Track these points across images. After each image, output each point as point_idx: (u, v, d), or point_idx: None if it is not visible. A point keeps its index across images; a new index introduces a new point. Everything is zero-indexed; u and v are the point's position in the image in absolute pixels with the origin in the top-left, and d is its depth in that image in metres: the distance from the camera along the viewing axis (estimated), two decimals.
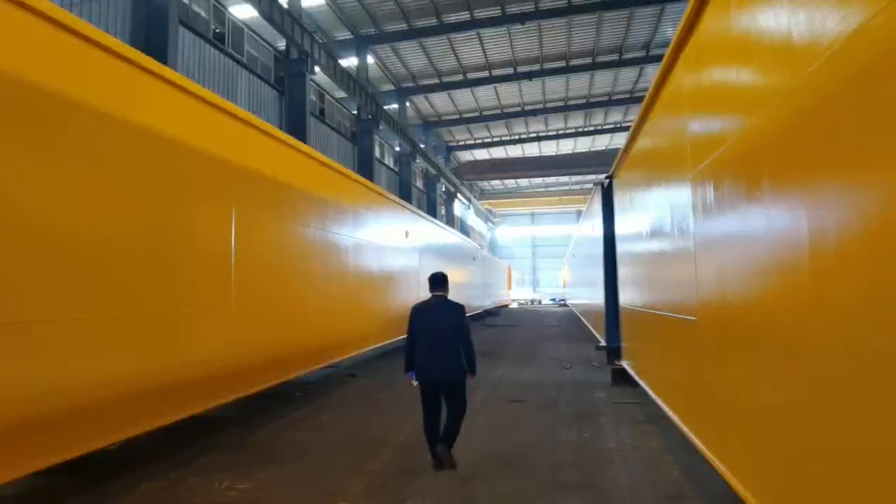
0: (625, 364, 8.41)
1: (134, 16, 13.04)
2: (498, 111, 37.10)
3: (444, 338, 5.02)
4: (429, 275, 5.49)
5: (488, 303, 27.32)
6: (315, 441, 5.75)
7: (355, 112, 27.33)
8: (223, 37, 16.93)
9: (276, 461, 5.03)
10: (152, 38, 12.90)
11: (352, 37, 25.45)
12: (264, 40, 19.37)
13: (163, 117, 5.00)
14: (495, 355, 12.20)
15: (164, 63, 12.86)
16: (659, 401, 5.60)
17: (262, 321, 6.36)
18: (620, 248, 8.71)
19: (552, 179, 53.15)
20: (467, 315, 5.50)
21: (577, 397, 7.83)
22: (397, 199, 13.38)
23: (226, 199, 5.80)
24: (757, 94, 2.85)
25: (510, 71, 30.46)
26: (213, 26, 16.40)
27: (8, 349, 3.44)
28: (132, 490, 4.32)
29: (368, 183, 11.26)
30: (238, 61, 17.58)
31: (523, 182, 56.32)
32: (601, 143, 43.42)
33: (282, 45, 20.21)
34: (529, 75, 30.15)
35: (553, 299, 48.35)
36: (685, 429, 4.48)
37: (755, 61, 2.87)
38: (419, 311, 5.23)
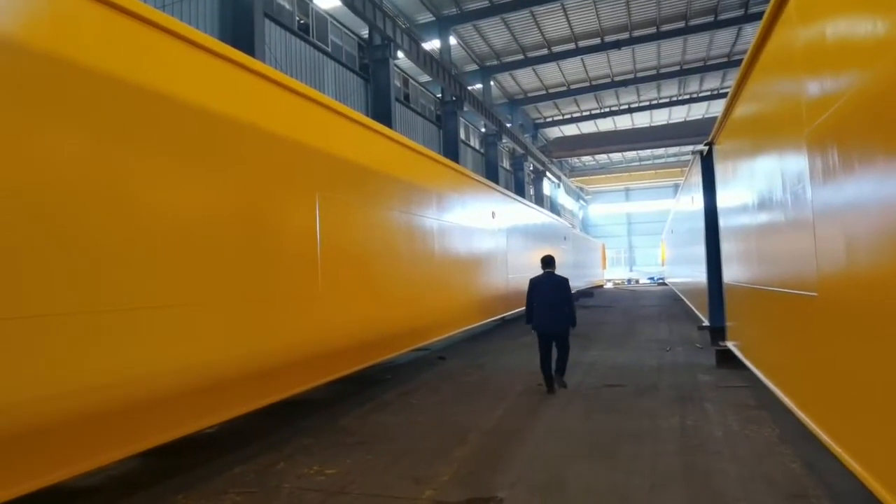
0: (730, 345, 7.80)
1: (222, 12, 13.51)
2: (586, 84, 35.85)
3: (552, 301, 7.05)
4: (541, 257, 7.56)
5: (581, 283, 26.54)
6: (403, 425, 5.70)
7: (439, 95, 27.23)
8: (308, 28, 17.27)
9: (365, 446, 5.01)
10: (240, 32, 13.34)
11: (434, 19, 25.31)
12: (348, 29, 19.60)
13: (255, 110, 5.10)
14: (589, 337, 11.77)
15: (252, 56, 13.30)
16: (771, 384, 5.08)
17: (348, 305, 6.36)
18: (723, 220, 8.04)
19: (647, 152, 50.85)
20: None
21: (678, 381, 7.34)
22: (482, 180, 13.16)
23: (310, 184, 5.81)
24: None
25: (597, 41, 29.27)
26: (297, 18, 16.75)
27: (129, 332, 3.67)
28: (225, 473, 4.42)
29: (452, 164, 11.11)
30: (323, 51, 17.89)
31: (616, 157, 54.29)
32: (697, 111, 41.03)
33: (365, 32, 20.38)
34: (618, 44, 28.81)
35: (651, 278, 46.44)
36: (803, 416, 4.00)
37: None
38: (535, 282, 7.28)
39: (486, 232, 12.18)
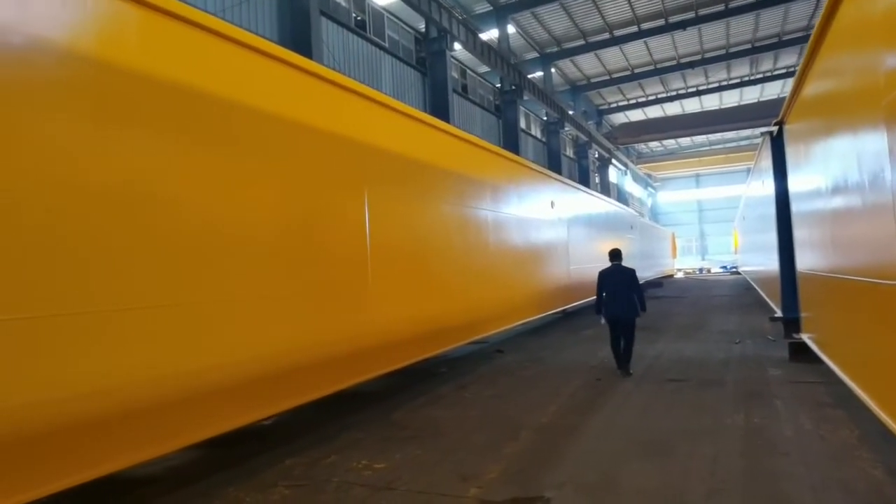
0: (805, 337, 7.30)
1: (280, 12, 13.79)
2: (651, 67, 34.64)
3: (621, 291, 7.52)
4: (605, 247, 8.22)
5: (649, 273, 25.67)
6: (455, 419, 5.63)
7: (498, 85, 26.95)
8: (364, 24, 17.41)
9: (415, 440, 4.98)
10: (298, 32, 13.59)
11: (491, 8, 25.02)
12: (404, 23, 19.65)
13: (305, 109, 5.16)
14: (655, 329, 11.35)
15: (310, 54, 13.53)
16: (850, 381, 4.70)
17: (398, 299, 6.34)
18: (796, 205, 7.52)
19: (717, 136, 48.58)
20: None
21: (746, 375, 6.95)
22: (539, 169, 12.88)
23: (358, 180, 5.81)
24: None
25: (661, 22, 28.18)
26: (354, 14, 16.92)
27: (202, 324, 3.90)
28: (275, 465, 4.48)
29: (507, 154, 10.92)
30: (380, 46, 18.02)
31: (685, 141, 52.27)
32: (772, 91, 38.89)
33: (422, 26, 20.38)
34: (683, 24, 27.65)
35: (723, 267, 44.51)
36: (887, 417, 3.66)
37: None
38: (604, 274, 7.74)
39: (545, 223, 11.93)
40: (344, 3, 16.55)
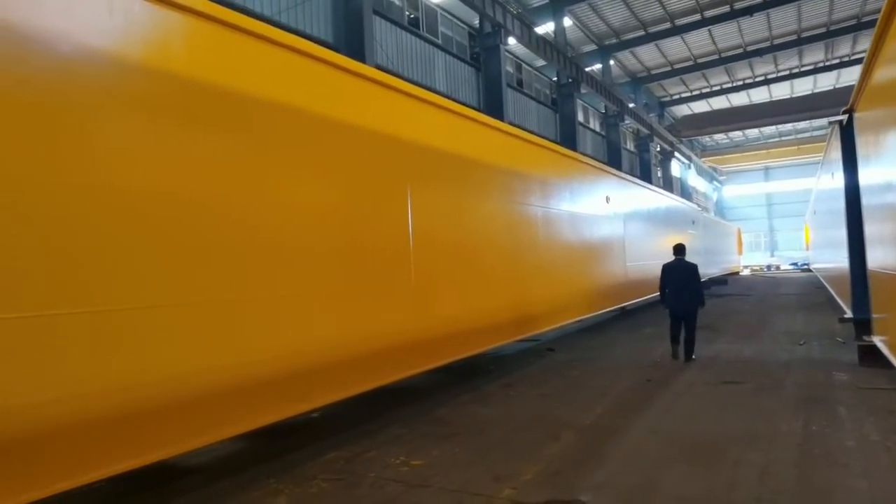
0: (876, 340, 6.84)
1: (334, 13, 14.02)
2: (715, 56, 33.34)
3: (682, 284, 8.06)
4: (665, 243, 9.00)
5: (713, 270, 24.71)
6: (498, 418, 5.58)
7: (555, 78, 26.55)
8: (418, 21, 17.49)
9: (455, 438, 4.96)
10: (351, 32, 13.78)
11: (547, 1, 24.68)
12: (458, 19, 19.64)
13: (350, 109, 5.23)
14: (714, 328, 10.92)
15: (363, 54, 13.70)
16: None
17: (443, 295, 6.33)
18: (867, 198, 7.06)
19: (788, 127, 46.29)
20: None
21: (809, 379, 6.57)
22: (594, 163, 12.61)
23: (401, 177, 5.83)
24: None
25: (726, 9, 27.07)
26: (407, 12, 17.02)
27: (251, 319, 4.06)
28: (317, 458, 4.56)
29: (558, 148, 10.73)
30: (434, 43, 18.07)
31: (752, 133, 50.06)
32: (849, 77, 36.53)
33: (476, 21, 20.31)
34: (750, 10, 26.46)
35: (794, 264, 42.39)
36: None
37: None
38: (667, 268, 8.30)
39: (599, 218, 11.65)
40: (397, 2, 16.69)
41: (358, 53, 13.53)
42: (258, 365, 4.08)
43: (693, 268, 8.11)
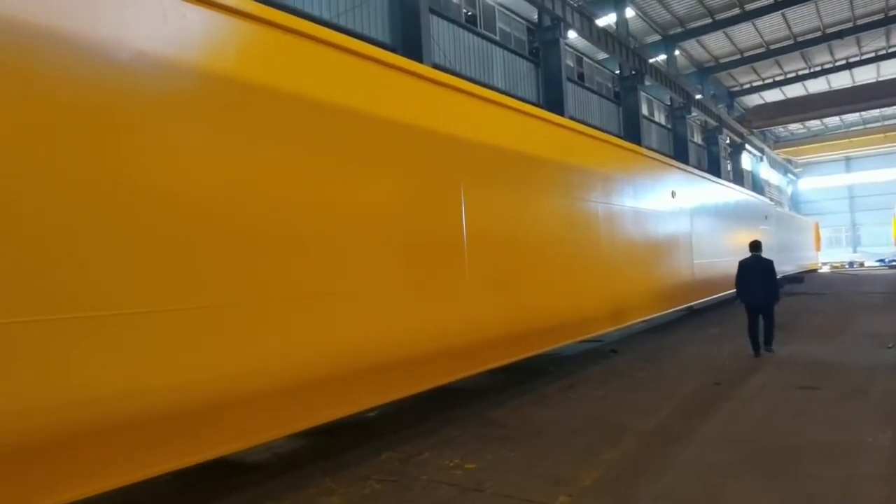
0: None
1: (391, 13, 14.11)
2: (790, 41, 31.62)
3: (759, 279, 8.27)
4: (748, 241, 8.84)
5: (788, 267, 23.38)
6: (557, 420, 5.43)
7: (617, 71, 25.87)
8: (475, 18, 17.40)
9: (511, 441, 4.85)
10: (408, 31, 13.83)
11: None
12: (516, 14, 19.42)
13: (403, 108, 5.21)
14: (788, 328, 10.32)
15: (420, 53, 13.72)
16: None
17: (499, 295, 6.21)
18: None
19: (874, 113, 43.19)
20: None
21: None
22: (658, 157, 12.15)
23: (454, 175, 5.76)
24: None
25: None
26: (464, 10, 16.96)
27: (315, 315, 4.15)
28: (371, 459, 4.54)
29: (619, 142, 10.40)
30: (491, 40, 17.94)
31: (832, 121, 47.14)
32: None
33: (534, 16, 20.03)
34: None
35: (881, 261, 39.64)
36: None
37: None
38: (743, 264, 8.53)
39: (664, 214, 11.22)
40: (455, 0, 16.63)
41: (415, 53, 13.56)
42: (318, 362, 4.12)
43: (769, 264, 8.37)
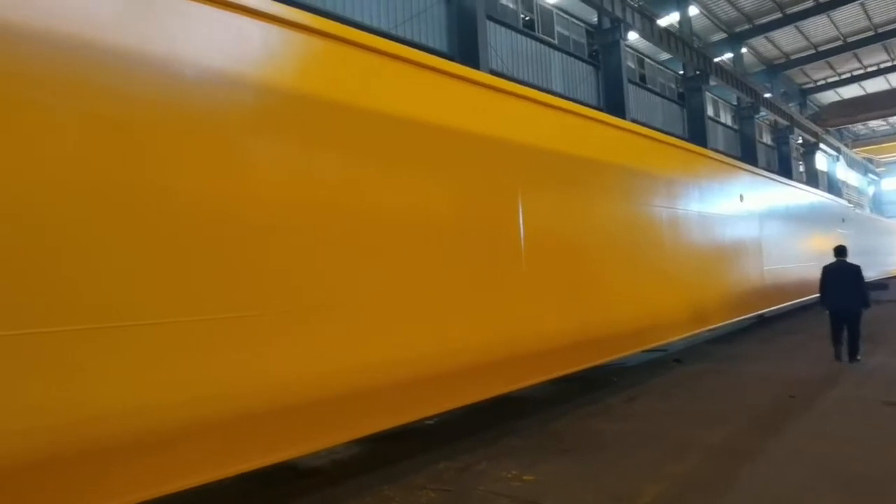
0: None
1: (448, 22, 14.20)
2: (870, 33, 29.90)
3: (845, 285, 8.05)
4: (834, 246, 8.69)
5: (870, 273, 21.90)
6: (618, 433, 5.27)
7: (681, 72, 25.14)
8: (532, 23, 17.30)
9: (571, 453, 4.74)
10: (465, 39, 13.90)
11: None
12: (575, 17, 19.18)
13: (462, 116, 5.25)
14: (872, 340, 9.66)
15: (477, 59, 13.74)
16: None
17: (558, 304, 6.10)
18: None
19: None
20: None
21: None
22: (725, 159, 11.70)
23: (511, 180, 5.71)
24: None
25: None
26: (521, 15, 16.89)
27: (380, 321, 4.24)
28: (429, 467, 4.53)
29: (684, 144, 10.07)
30: (549, 44, 17.78)
31: None
32: None
33: (594, 18, 19.73)
34: None
35: None
36: None
37: None
38: (828, 269, 8.36)
39: (732, 218, 10.77)
40: (511, 6, 16.59)
41: (472, 60, 13.60)
42: (381, 369, 4.18)
43: (856, 269, 8.14)
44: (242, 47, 3.60)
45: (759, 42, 30.24)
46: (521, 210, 5.69)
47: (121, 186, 2.99)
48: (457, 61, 11.54)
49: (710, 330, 9.51)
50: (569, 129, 6.79)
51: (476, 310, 5.14)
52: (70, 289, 2.79)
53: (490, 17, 15.11)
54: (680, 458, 4.44)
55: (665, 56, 23.86)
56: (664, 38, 21.19)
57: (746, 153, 28.64)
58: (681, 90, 25.28)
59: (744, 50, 29.53)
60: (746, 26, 27.90)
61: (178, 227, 3.18)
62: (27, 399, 2.64)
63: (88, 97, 2.93)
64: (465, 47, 13.93)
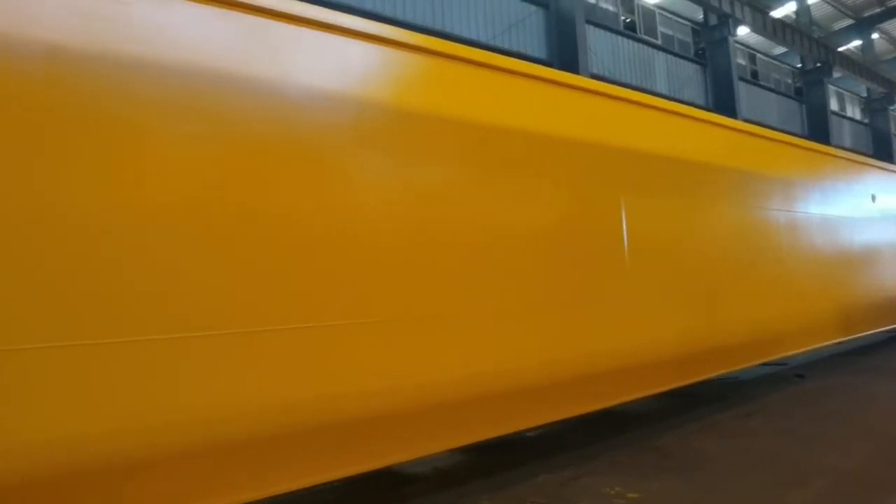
0: None
1: (547, 29, 14.13)
2: None
3: None
4: None
5: None
6: (732, 453, 4.96)
7: (799, 65, 23.41)
8: (634, 25, 16.84)
9: (679, 471, 4.52)
10: (564, 45, 13.76)
11: None
12: (678, 16, 18.46)
13: (559, 120, 5.22)
14: None
15: (576, 65, 13.55)
16: None
17: (665, 315, 5.86)
18: None
19: None
20: None
21: None
22: (854, 157, 10.77)
23: (613, 186, 5.58)
24: None
25: None
26: (622, 17, 16.49)
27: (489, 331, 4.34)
28: (529, 479, 4.49)
29: (804, 142, 9.40)
30: (652, 45, 17.23)
31: None
32: None
33: (699, 16, 18.87)
34: None
35: None
36: None
37: None
38: None
39: (862, 221, 9.85)
40: (612, 8, 16.25)
41: (572, 65, 13.44)
42: (486, 378, 4.24)
43: None
44: (357, 69, 3.85)
45: (893, 26, 27.53)
46: (624, 217, 5.53)
47: (252, 206, 3.30)
48: (556, 68, 11.43)
49: (838, 343, 8.73)
50: (674, 131, 6.54)
51: (578, 321, 5.06)
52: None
53: (589, 22, 14.87)
54: (801, 484, 4.11)
55: (780, 50, 22.32)
56: (778, 30, 19.84)
57: (879, 149, 26.12)
58: (798, 85, 23.52)
59: (874, 35, 26.99)
60: (877, 9, 25.52)
61: (307, 242, 3.47)
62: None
63: (220, 122, 3.25)
64: (565, 53, 13.79)
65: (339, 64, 3.78)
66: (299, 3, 3.69)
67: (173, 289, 3.00)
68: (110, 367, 2.78)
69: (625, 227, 5.51)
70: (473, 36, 13.07)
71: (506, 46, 13.38)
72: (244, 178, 3.29)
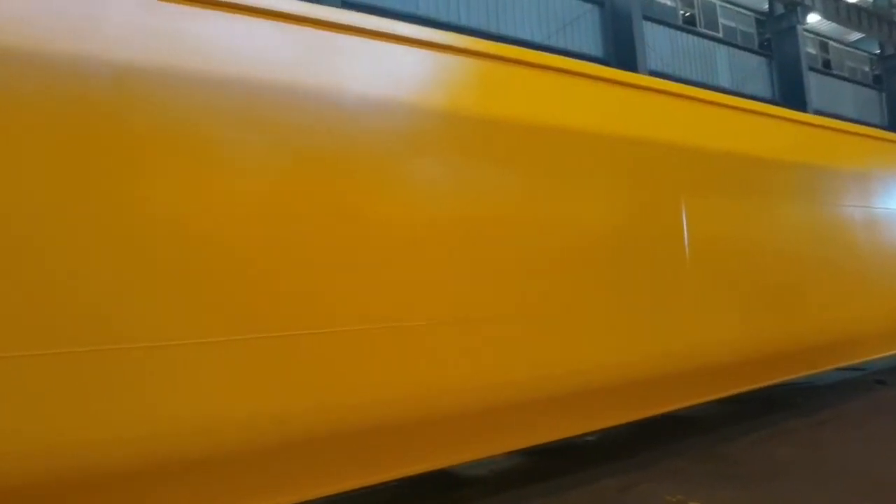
0: None
1: (603, 27, 13.90)
2: None
3: None
4: None
5: None
6: (802, 463, 4.73)
7: (877, 51, 22.12)
8: (694, 19, 16.35)
9: (745, 480, 4.34)
10: (621, 42, 13.50)
11: None
12: (741, 7, 17.78)
13: (615, 119, 5.13)
14: None
15: (634, 62, 13.27)
16: None
17: (729, 317, 5.65)
18: None
19: None
20: None
21: None
22: None
23: (673, 186, 5.42)
24: None
25: None
26: (681, 11, 16.06)
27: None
28: (588, 484, 4.41)
29: (883, 134, 8.81)
30: (713, 38, 16.68)
31: None
32: None
33: (763, 5, 18.13)
34: None
35: None
36: None
37: None
38: None
39: None
40: (670, 3, 15.85)
41: (629, 63, 13.17)
42: (544, 381, 4.20)
43: None
44: (415, 76, 3.93)
45: None
46: (684, 217, 5.38)
47: (322, 212, 3.39)
48: (613, 66, 11.23)
49: None
50: (737, 127, 6.30)
51: (637, 323, 4.93)
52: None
53: (647, 17, 14.53)
54: (880, 499, 3.87)
55: (856, 36, 21.13)
56: (853, 16, 18.80)
57: None
58: (877, 72, 22.20)
59: None
60: None
61: (383, 245, 3.56)
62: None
63: (292, 134, 3.37)
64: (622, 50, 13.52)
65: (397, 71, 3.85)
66: (360, 14, 3.81)
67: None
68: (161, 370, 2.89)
69: (685, 227, 5.35)
70: (528, 36, 13.01)
71: (561, 46, 13.24)
72: (315, 185, 3.41)
